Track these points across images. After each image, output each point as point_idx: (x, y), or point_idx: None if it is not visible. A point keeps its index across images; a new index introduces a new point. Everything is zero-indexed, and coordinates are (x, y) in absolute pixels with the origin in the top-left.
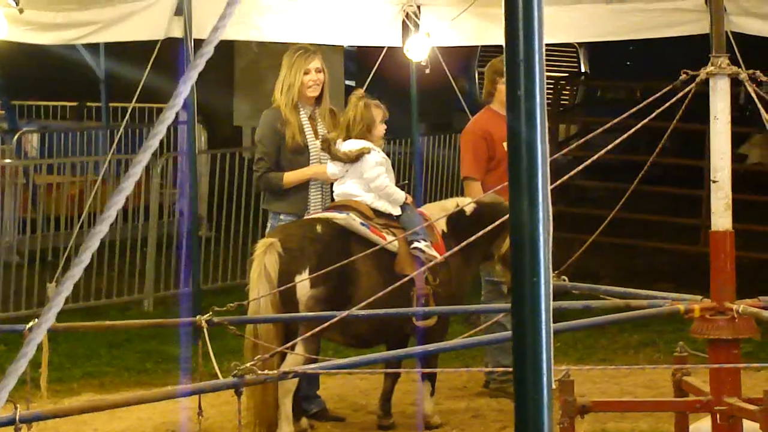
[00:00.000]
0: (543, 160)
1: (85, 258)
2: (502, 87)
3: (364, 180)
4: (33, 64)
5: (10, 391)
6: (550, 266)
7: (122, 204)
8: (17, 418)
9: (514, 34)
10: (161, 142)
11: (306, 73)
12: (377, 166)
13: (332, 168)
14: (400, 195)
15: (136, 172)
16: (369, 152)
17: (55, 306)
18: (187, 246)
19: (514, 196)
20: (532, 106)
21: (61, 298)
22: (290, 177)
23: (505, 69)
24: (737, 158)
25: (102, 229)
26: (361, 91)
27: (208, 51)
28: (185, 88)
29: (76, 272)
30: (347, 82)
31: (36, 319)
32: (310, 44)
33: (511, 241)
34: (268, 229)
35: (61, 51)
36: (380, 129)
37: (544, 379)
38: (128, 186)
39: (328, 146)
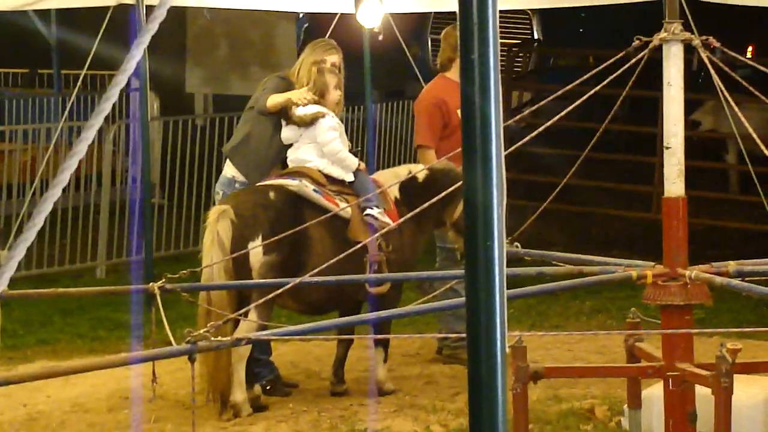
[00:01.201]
0: (497, 125)
1: (38, 221)
2: None
3: (317, 145)
4: None
5: None
6: (504, 231)
7: (75, 168)
8: None
9: None
10: (113, 109)
11: (335, 76)
12: (330, 130)
13: (287, 132)
14: (353, 161)
15: (89, 136)
16: (323, 116)
17: (8, 270)
18: (140, 213)
19: (468, 161)
20: (485, 71)
21: (14, 262)
22: (273, 99)
23: (458, 33)
24: (690, 125)
25: (55, 193)
26: (315, 56)
27: (161, 14)
28: (138, 51)
29: (30, 236)
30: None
31: None
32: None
33: (464, 207)
34: (218, 194)
35: (12, 17)
36: (334, 95)
37: (498, 344)
38: (81, 150)
39: (284, 110)
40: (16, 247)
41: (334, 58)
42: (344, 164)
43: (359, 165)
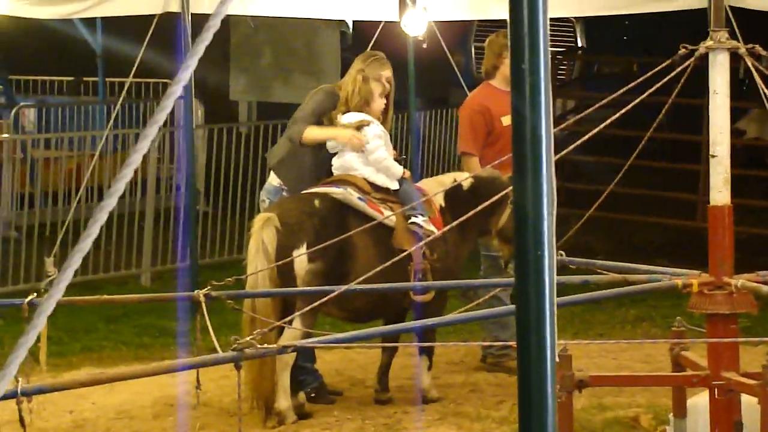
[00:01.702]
0: (547, 135)
1: (94, 231)
2: (509, 61)
3: (362, 153)
4: (30, 38)
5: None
6: (554, 241)
7: (130, 177)
8: (19, 391)
9: (518, 7)
10: None
11: (380, 84)
12: (376, 138)
13: (331, 141)
14: (398, 169)
15: (144, 146)
16: (368, 125)
17: (64, 279)
18: (185, 220)
19: (518, 171)
20: (536, 81)
21: (70, 271)
22: (312, 131)
23: (508, 42)
24: (735, 133)
25: (110, 203)
26: (360, 65)
27: (216, 24)
28: (193, 61)
29: (85, 246)
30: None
31: (35, 293)
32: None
33: (515, 217)
34: (264, 202)
35: (59, 25)
36: (379, 103)
37: (548, 353)
38: (137, 160)
39: (329, 120)
40: (72, 257)
41: (388, 73)
42: (389, 172)
43: (404, 173)
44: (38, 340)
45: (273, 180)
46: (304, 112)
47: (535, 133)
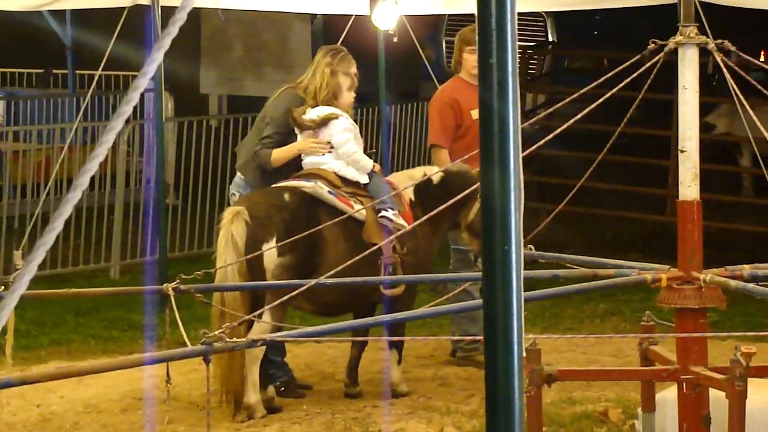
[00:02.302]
0: (515, 129)
1: (58, 225)
2: (468, 56)
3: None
4: None
5: None
6: (522, 235)
7: (95, 171)
8: None
9: (486, 2)
10: None
11: (348, 78)
12: (345, 131)
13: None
14: (368, 162)
15: (109, 138)
16: (337, 118)
17: (28, 273)
18: (154, 214)
19: (486, 165)
20: (504, 75)
21: (34, 265)
22: (278, 153)
23: (476, 37)
24: (704, 128)
25: (75, 196)
26: (328, 58)
27: (182, 17)
28: (158, 54)
29: (49, 239)
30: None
31: (2, 286)
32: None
33: (482, 210)
34: (234, 195)
35: (27, 17)
36: (347, 97)
37: (515, 348)
38: (101, 153)
39: (293, 118)
40: (36, 250)
41: (354, 68)
42: (359, 165)
43: (374, 166)
44: (5, 333)
45: (241, 174)
46: (272, 122)
47: (503, 127)
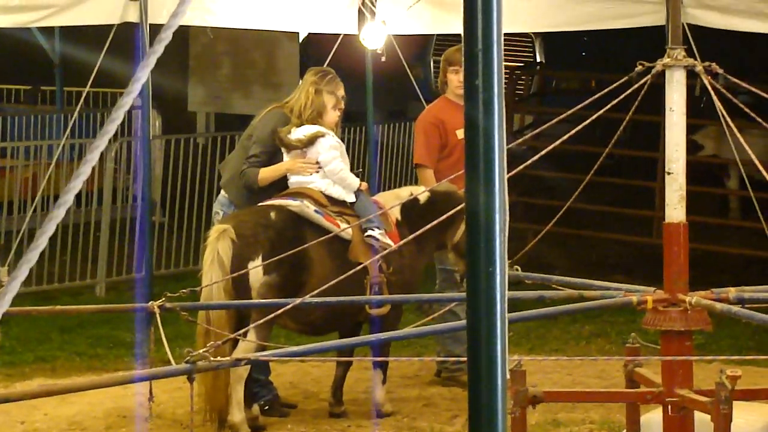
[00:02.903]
0: (500, 150)
1: (42, 242)
2: (452, 77)
3: (319, 164)
4: None
5: None
6: (506, 256)
7: (79, 188)
8: None
9: (472, 23)
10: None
11: (333, 97)
12: (331, 149)
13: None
14: (354, 180)
15: (94, 157)
16: (323, 136)
17: (11, 291)
18: (141, 231)
19: (471, 185)
20: (489, 96)
21: (17, 282)
22: (265, 173)
23: (463, 58)
24: (691, 147)
25: (59, 214)
26: (313, 77)
27: (167, 36)
28: (143, 73)
29: (32, 257)
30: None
31: None
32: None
33: (467, 230)
34: (217, 214)
35: (16, 34)
36: (332, 115)
37: (499, 368)
38: (85, 171)
39: (279, 138)
40: (19, 268)
41: (342, 90)
42: (345, 183)
43: (361, 185)
44: None
45: (225, 192)
46: (258, 140)
47: (488, 147)
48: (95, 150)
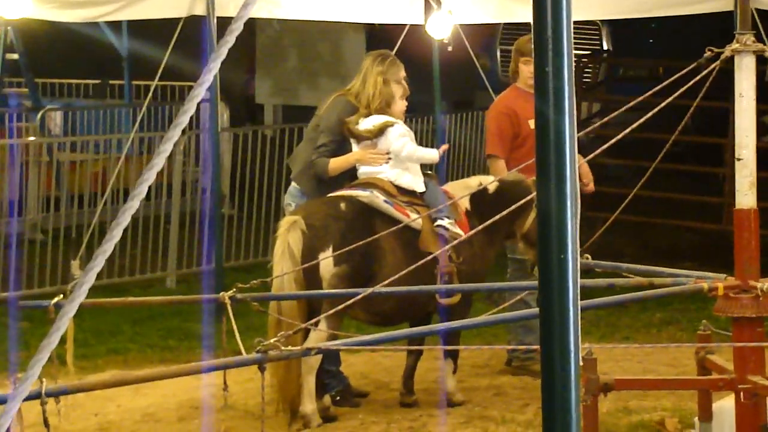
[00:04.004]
0: (570, 139)
1: (117, 234)
2: (523, 67)
3: (390, 154)
4: (56, 41)
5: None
6: (578, 242)
7: (152, 180)
8: (43, 392)
9: (542, 9)
10: None
11: (401, 86)
12: (401, 137)
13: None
14: (432, 154)
15: (167, 148)
16: (392, 125)
17: (87, 281)
18: (210, 223)
19: (542, 175)
20: (560, 84)
21: (93, 273)
22: (335, 163)
23: (532, 46)
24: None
25: (133, 205)
26: (380, 68)
27: (239, 27)
28: (216, 64)
29: (108, 248)
30: None
31: (61, 295)
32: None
33: (538, 220)
34: (289, 205)
35: (84, 29)
36: (400, 105)
37: (572, 356)
38: (159, 162)
39: (348, 128)
40: (95, 259)
41: (403, 72)
42: (426, 159)
43: (432, 175)
44: (65, 342)
45: (296, 183)
46: (327, 130)
47: (559, 137)
48: (168, 141)
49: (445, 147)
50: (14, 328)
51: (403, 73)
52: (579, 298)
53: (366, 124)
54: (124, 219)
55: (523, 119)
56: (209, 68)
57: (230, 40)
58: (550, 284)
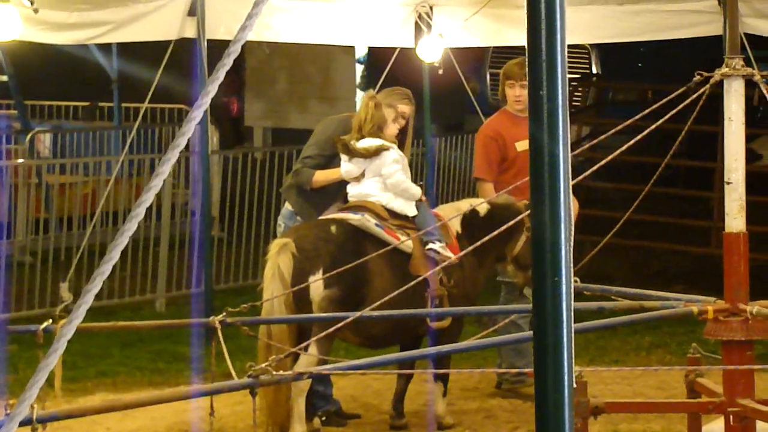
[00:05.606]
0: (564, 162)
1: (115, 255)
2: (508, 90)
3: (380, 178)
4: (46, 63)
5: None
6: (572, 265)
7: (150, 202)
8: (34, 417)
9: (536, 35)
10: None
11: (393, 110)
12: (393, 163)
13: (347, 167)
14: (416, 190)
15: (165, 170)
16: (388, 149)
17: (85, 303)
18: (200, 246)
19: (536, 198)
20: (554, 107)
21: (90, 295)
22: (321, 175)
23: (521, 70)
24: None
25: (131, 227)
26: (371, 92)
27: (236, 50)
28: (213, 87)
29: (105, 269)
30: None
31: (50, 320)
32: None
33: (532, 244)
34: (280, 226)
35: (75, 51)
36: (392, 129)
37: (566, 380)
38: (157, 184)
39: (344, 145)
40: (93, 280)
41: (406, 108)
42: (409, 194)
43: (421, 197)
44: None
45: (289, 205)
46: (316, 144)
47: (553, 160)
48: (166, 163)
49: (425, 199)
50: (2, 351)
51: (402, 106)
52: (573, 320)
53: (364, 143)
54: (123, 240)
55: (510, 142)
56: (206, 91)
57: (228, 62)
58: (544, 307)
